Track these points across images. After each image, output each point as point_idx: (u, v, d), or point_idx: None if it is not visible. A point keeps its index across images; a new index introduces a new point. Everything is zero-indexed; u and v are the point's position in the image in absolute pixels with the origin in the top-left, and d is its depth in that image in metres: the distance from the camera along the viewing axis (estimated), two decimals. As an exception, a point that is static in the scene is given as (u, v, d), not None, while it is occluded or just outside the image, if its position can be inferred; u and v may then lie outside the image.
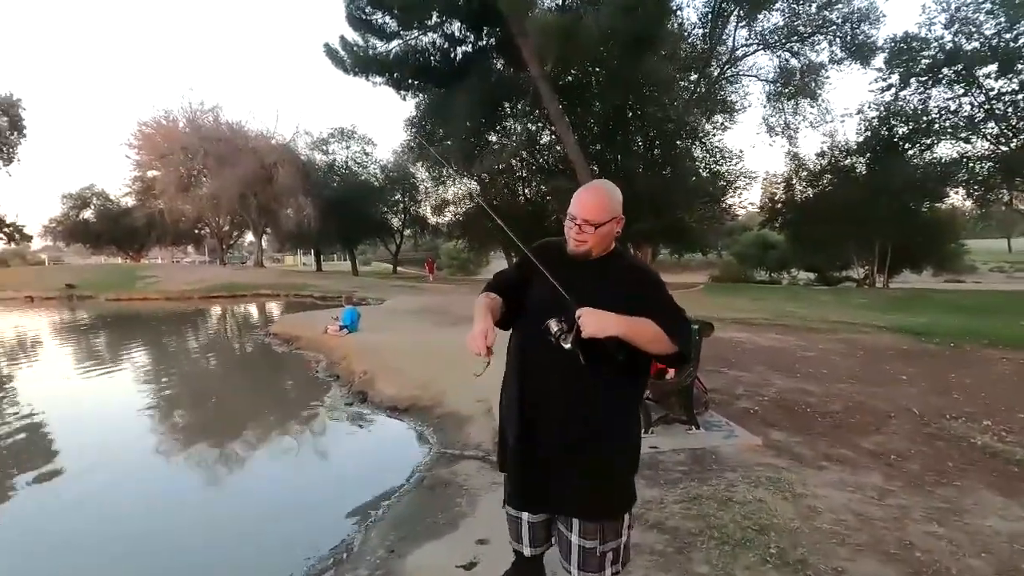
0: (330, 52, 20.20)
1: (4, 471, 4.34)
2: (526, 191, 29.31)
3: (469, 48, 21.45)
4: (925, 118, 22.49)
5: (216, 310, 18.75)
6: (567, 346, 1.53)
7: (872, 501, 2.94)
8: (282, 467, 4.48)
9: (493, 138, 25.44)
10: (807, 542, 2.49)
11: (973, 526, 2.69)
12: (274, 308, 18.90)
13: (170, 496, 3.91)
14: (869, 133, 23.77)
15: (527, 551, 1.87)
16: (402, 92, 22.64)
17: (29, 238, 39.81)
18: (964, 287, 26.01)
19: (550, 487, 1.70)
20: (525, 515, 1.84)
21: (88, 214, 40.76)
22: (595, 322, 1.51)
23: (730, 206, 26.56)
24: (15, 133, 32.84)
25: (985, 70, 20.74)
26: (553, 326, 1.57)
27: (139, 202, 34.89)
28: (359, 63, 20.18)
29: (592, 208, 1.64)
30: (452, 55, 21.37)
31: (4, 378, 8.14)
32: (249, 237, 39.62)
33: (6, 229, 35.80)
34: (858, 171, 24.73)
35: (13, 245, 41.05)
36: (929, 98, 22.36)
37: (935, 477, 3.29)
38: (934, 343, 8.42)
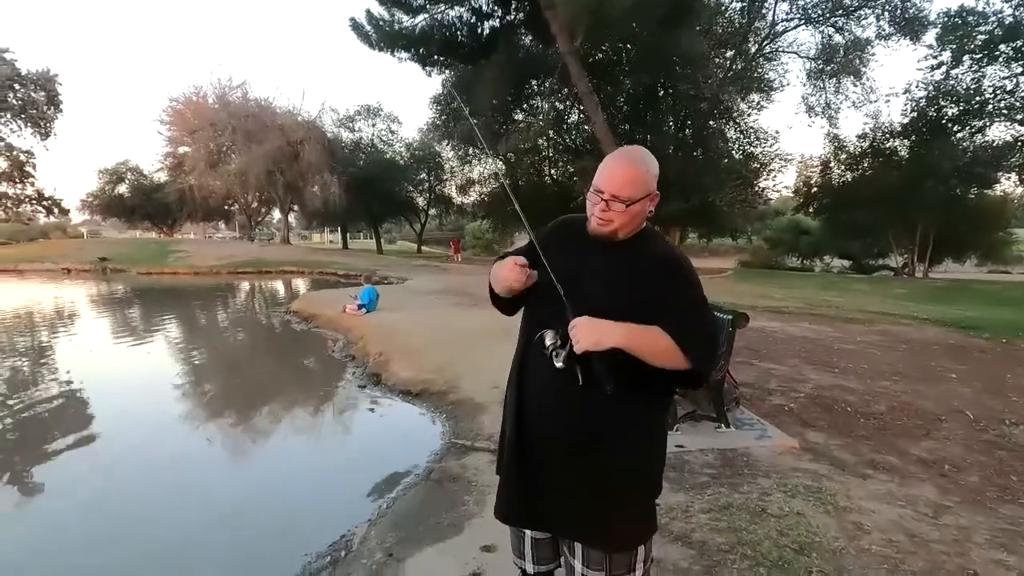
0: (355, 26, 19.88)
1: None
2: (552, 171, 28.79)
3: (496, 23, 20.88)
4: (978, 98, 21.16)
5: (242, 286, 18.94)
6: (559, 364, 1.33)
7: (926, 519, 2.62)
8: (291, 450, 4.36)
9: (520, 116, 24.94)
10: (853, 567, 2.20)
11: (1046, 553, 2.36)
12: (299, 285, 19.01)
13: (178, 479, 3.80)
14: (916, 114, 22.50)
15: (530, 568, 1.64)
16: (428, 68, 22.22)
17: (66, 211, 40.92)
18: (1010, 278, 24.72)
19: (546, 500, 1.46)
20: (528, 530, 1.60)
21: (123, 189, 41.66)
22: (590, 334, 1.29)
23: (763, 189, 25.66)
24: (52, 108, 33.56)
25: (1047, 47, 19.37)
26: (547, 339, 1.36)
27: (171, 178, 35.49)
28: (385, 38, 19.83)
29: (623, 181, 1.36)
30: (479, 30, 20.83)
31: (32, 348, 8.25)
32: (277, 214, 40.02)
33: (45, 202, 36.83)
34: (901, 154, 23.54)
35: (52, 218, 42.27)
36: (983, 77, 21.00)
37: (997, 493, 2.95)
38: (983, 338, 7.89)
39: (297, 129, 29.11)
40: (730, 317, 3.71)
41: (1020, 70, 20.28)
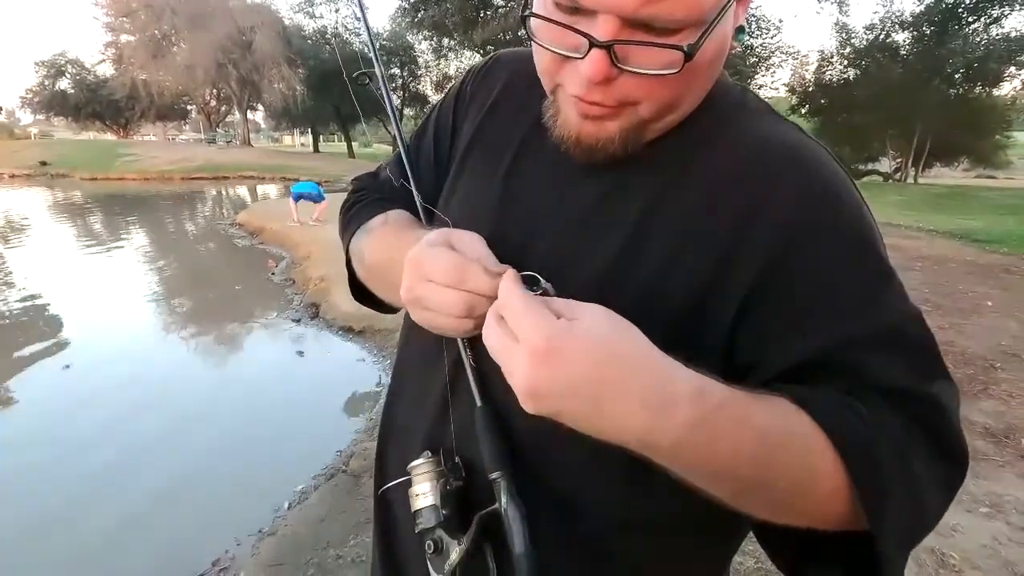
0: None
1: None
2: (536, 66, 26.44)
3: None
4: (1001, -19, 19.27)
5: (193, 193, 17.37)
6: (453, 559, 0.45)
7: (1028, 539, 1.90)
8: (174, 424, 3.19)
9: (499, 1, 22.31)
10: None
11: None
12: (260, 191, 17.54)
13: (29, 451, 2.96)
14: (931, 0, 20.54)
15: None
16: (391, -62, 19.36)
17: (-1, 109, 37.41)
18: (1002, 184, 24.11)
19: None
20: None
21: (64, 84, 37.87)
22: (565, 372, 0.34)
23: (760, 87, 23.87)
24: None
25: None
26: (420, 493, 0.48)
27: (116, 71, 32.12)
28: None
29: None
30: None
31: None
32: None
33: (-27, 99, 33.36)
34: (907, 50, 21.80)
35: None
36: (1012, -44, 19.02)
37: (1102, 486, 2.23)
38: (1001, 253, 7.18)
39: (247, 14, 25.91)
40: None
41: (1052, -51, 18.34)
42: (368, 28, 0.74)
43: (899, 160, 25.33)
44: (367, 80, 0.73)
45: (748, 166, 0.45)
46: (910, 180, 23.47)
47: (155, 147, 30.62)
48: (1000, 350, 3.61)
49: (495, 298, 0.40)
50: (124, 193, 16.96)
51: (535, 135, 0.50)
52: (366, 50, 0.76)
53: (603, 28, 0.37)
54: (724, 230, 0.43)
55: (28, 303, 5.47)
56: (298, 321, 4.72)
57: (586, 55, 0.38)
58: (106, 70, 34.44)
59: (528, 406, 0.36)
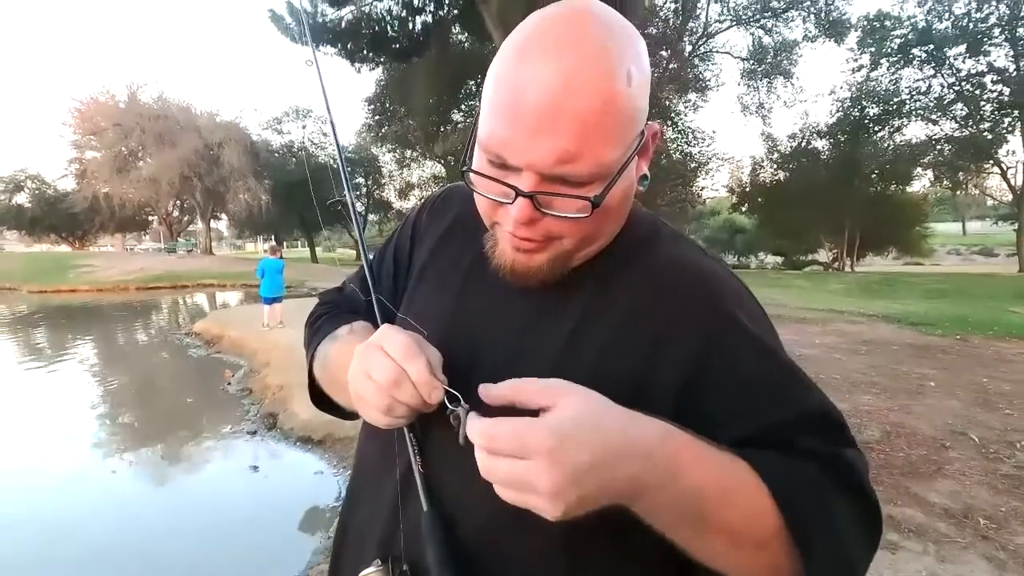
0: (275, 18, 18.32)
1: None
2: (494, 175, 28.01)
3: (429, 18, 19.86)
4: (896, 99, 22.17)
5: (148, 303, 16.93)
6: None
7: (999, 622, 1.90)
8: (119, 550, 2.96)
9: (457, 117, 24.03)
10: None
11: None
12: (220, 300, 17.24)
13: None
14: (841, 114, 23.32)
15: None
16: (357, 64, 20.91)
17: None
18: (928, 270, 26.04)
19: None
20: None
21: (22, 199, 37.64)
22: (566, 451, 0.39)
23: (701, 189, 25.89)
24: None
25: (955, 51, 20.41)
26: None
27: (78, 186, 32.28)
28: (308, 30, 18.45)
29: (576, 121, 0.44)
30: (411, 25, 19.78)
31: None
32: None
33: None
34: (827, 154, 24.33)
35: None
36: (900, 79, 22.06)
37: (1060, 561, 2.28)
38: (937, 335, 7.64)
39: (215, 131, 26.94)
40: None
41: (932, 72, 21.34)
42: (342, 163, 0.85)
43: (835, 251, 27.29)
44: (339, 206, 0.84)
45: (662, 285, 0.54)
46: (847, 269, 25.15)
47: (112, 258, 30.10)
48: (948, 429, 3.75)
49: (418, 392, 0.46)
50: (74, 304, 16.40)
51: (481, 261, 0.58)
52: (331, 166, 0.88)
53: (526, 181, 0.46)
54: (645, 340, 0.52)
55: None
56: (254, 433, 4.51)
57: (514, 202, 0.47)
58: (67, 184, 34.64)
59: (562, 501, 0.38)
